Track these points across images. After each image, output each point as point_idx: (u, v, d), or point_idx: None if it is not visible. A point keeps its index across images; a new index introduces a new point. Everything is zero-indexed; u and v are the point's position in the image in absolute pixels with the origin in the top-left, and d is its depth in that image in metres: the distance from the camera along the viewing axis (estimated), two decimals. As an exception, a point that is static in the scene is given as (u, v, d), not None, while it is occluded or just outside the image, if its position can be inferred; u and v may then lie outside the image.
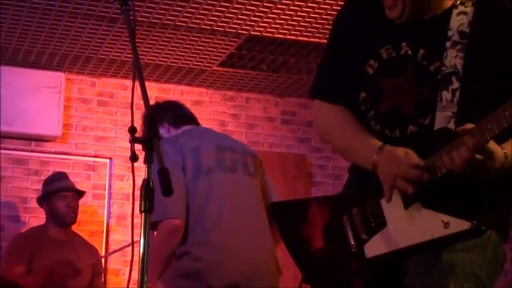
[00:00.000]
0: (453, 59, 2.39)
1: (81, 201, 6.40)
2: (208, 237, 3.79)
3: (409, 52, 2.44)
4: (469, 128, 2.16)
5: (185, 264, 3.78)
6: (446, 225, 2.29)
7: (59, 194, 5.89)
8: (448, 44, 2.40)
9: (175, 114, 4.25)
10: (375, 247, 2.43)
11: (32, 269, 5.66)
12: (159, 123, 4.14)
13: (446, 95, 2.37)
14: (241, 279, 3.74)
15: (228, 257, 3.74)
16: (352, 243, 2.47)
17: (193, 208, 3.83)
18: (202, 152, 3.96)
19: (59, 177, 6.10)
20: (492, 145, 2.18)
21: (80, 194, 6.07)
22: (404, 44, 2.45)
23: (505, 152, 2.24)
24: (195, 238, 3.81)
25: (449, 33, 2.41)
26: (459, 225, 2.27)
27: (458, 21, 2.42)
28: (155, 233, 3.80)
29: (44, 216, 5.99)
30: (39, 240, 5.84)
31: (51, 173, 6.29)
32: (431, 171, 2.29)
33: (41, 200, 6.01)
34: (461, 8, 2.43)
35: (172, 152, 3.89)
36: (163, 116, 4.21)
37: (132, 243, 2.54)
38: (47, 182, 6.04)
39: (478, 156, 2.16)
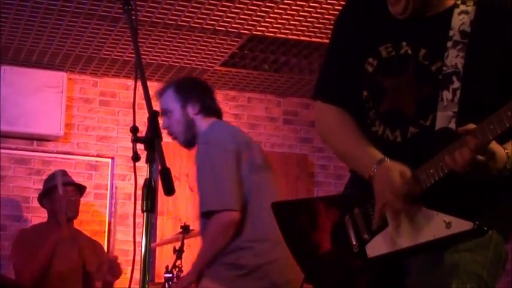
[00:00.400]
0: (454, 58, 2.39)
1: (83, 201, 6.40)
2: (268, 234, 3.75)
3: (410, 52, 2.44)
4: (471, 128, 2.16)
5: (246, 259, 3.73)
6: (448, 225, 2.29)
7: (61, 190, 5.91)
8: (449, 43, 2.40)
9: (210, 103, 4.13)
10: (376, 247, 2.43)
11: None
12: (190, 100, 4.06)
13: (447, 94, 2.37)
14: (293, 277, 3.72)
15: (284, 255, 3.69)
16: (354, 243, 2.47)
17: (252, 202, 3.80)
18: (252, 147, 3.94)
19: (59, 173, 6.12)
20: (494, 146, 2.18)
21: (81, 189, 6.08)
22: (404, 43, 2.45)
23: (507, 153, 2.24)
24: (256, 233, 3.78)
25: (451, 33, 2.41)
26: (461, 225, 2.27)
27: (460, 21, 2.41)
28: (212, 224, 3.74)
29: (46, 215, 6.01)
30: (42, 235, 5.86)
31: (53, 172, 6.30)
32: (419, 187, 2.32)
33: (42, 198, 6.02)
34: (462, 7, 2.42)
35: (231, 143, 3.84)
36: (199, 97, 4.09)
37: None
38: (47, 180, 6.06)
39: (480, 157, 2.16)
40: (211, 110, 4.07)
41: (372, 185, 2.40)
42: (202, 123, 4.02)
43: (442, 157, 2.26)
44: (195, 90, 4.09)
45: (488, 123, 2.13)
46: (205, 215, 3.76)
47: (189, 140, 4.09)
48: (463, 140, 2.18)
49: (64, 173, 6.18)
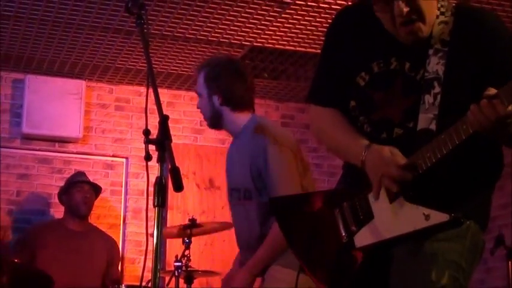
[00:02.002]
0: (435, 65, 2.39)
1: (100, 197, 6.41)
2: None
3: (398, 67, 2.43)
4: (494, 92, 2.11)
5: None
6: (427, 217, 2.28)
7: (77, 185, 5.95)
8: (430, 51, 2.40)
9: (237, 94, 3.71)
10: (363, 238, 2.42)
11: (45, 261, 5.63)
12: (216, 90, 3.70)
13: (428, 98, 2.37)
14: None
15: None
16: (343, 234, 2.46)
17: None
18: (300, 148, 3.73)
19: (78, 174, 6.18)
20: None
21: (96, 189, 6.11)
22: (393, 59, 2.44)
23: None
24: None
25: (432, 41, 2.41)
26: (439, 217, 2.27)
27: (440, 30, 2.41)
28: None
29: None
30: (56, 231, 5.87)
31: (75, 172, 6.32)
32: (414, 169, 2.29)
33: (61, 195, 6.06)
34: (442, 18, 2.42)
35: (294, 145, 3.63)
36: (224, 88, 3.70)
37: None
38: (70, 178, 6.10)
39: (510, 108, 2.11)
40: (239, 103, 3.71)
41: (365, 170, 2.38)
42: (233, 117, 3.72)
43: (429, 149, 2.25)
44: (221, 80, 3.69)
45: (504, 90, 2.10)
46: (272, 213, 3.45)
47: (214, 124, 3.81)
48: (465, 118, 2.16)
49: (83, 173, 6.22)
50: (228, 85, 3.69)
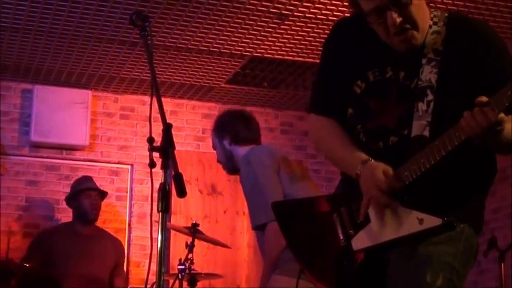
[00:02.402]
0: (428, 74, 2.38)
1: (106, 202, 6.41)
2: None
3: (393, 76, 2.43)
4: (485, 100, 2.10)
5: None
6: (421, 221, 2.28)
7: (85, 192, 5.94)
8: (424, 60, 2.40)
9: (242, 132, 3.98)
10: (360, 241, 2.42)
11: (58, 265, 5.63)
12: (224, 134, 3.97)
13: (422, 106, 2.36)
14: None
15: None
16: (341, 237, 2.46)
17: None
18: (289, 161, 3.83)
19: (85, 179, 6.17)
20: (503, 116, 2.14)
21: (103, 194, 6.12)
22: (389, 68, 2.44)
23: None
24: None
25: (425, 51, 2.40)
26: (432, 221, 2.27)
27: (433, 40, 2.41)
28: (266, 234, 3.57)
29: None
30: (65, 234, 5.87)
31: (79, 177, 6.32)
32: (400, 182, 2.30)
33: (69, 200, 6.06)
34: (434, 28, 2.42)
35: (269, 160, 3.74)
36: (230, 130, 3.97)
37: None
38: (75, 184, 6.10)
39: (501, 115, 2.11)
40: (243, 138, 3.95)
41: (359, 183, 2.38)
42: (240, 151, 3.91)
43: (423, 155, 2.25)
44: (227, 125, 3.98)
45: (497, 96, 2.10)
46: (259, 228, 3.61)
47: (231, 168, 4.01)
48: (458, 125, 2.16)
49: (90, 178, 6.21)
50: (233, 127, 3.95)
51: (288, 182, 3.67)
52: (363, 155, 2.41)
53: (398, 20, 2.31)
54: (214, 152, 4.11)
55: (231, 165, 3.97)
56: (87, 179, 6.21)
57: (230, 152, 3.94)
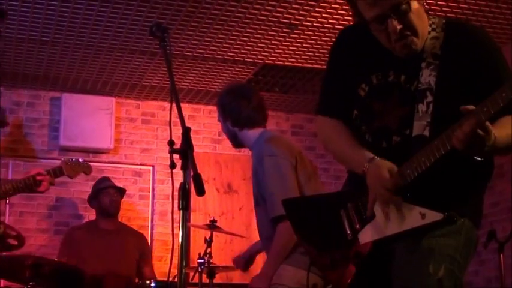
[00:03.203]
0: (428, 77, 2.37)
1: (129, 201, 6.43)
2: None
3: (395, 79, 2.42)
4: (471, 108, 2.09)
5: None
6: (423, 216, 2.27)
7: (104, 191, 5.98)
8: (423, 64, 2.39)
9: (244, 114, 3.74)
10: (366, 235, 2.41)
11: (85, 259, 5.65)
12: (227, 116, 3.75)
13: (422, 107, 2.35)
14: None
15: None
16: (348, 232, 2.44)
17: None
18: (303, 158, 3.72)
19: (103, 179, 6.21)
20: (489, 124, 2.12)
21: (121, 191, 6.15)
22: (391, 72, 2.43)
23: (494, 134, 2.15)
24: None
25: (424, 55, 2.39)
26: (434, 216, 2.26)
27: (431, 45, 2.40)
28: (283, 226, 3.43)
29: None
30: (91, 231, 5.89)
31: (98, 178, 6.33)
32: (403, 180, 2.29)
33: (91, 200, 6.09)
34: (433, 34, 2.41)
35: (291, 156, 3.61)
36: (233, 112, 3.74)
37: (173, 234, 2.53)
38: (94, 185, 6.13)
39: (479, 131, 2.09)
40: (246, 121, 3.73)
41: (365, 180, 2.38)
42: (247, 135, 3.74)
43: (423, 154, 2.25)
44: (229, 107, 3.75)
45: (482, 106, 2.08)
46: (275, 220, 3.48)
47: (236, 144, 3.86)
48: (461, 121, 2.13)
49: (107, 178, 6.25)
50: (234, 109, 3.73)
51: (304, 180, 3.61)
52: (368, 154, 2.40)
53: (399, 27, 2.30)
54: (230, 153, 4.06)
55: (235, 142, 3.85)
56: (105, 179, 6.25)
57: (234, 132, 3.78)
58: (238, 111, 3.73)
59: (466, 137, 2.10)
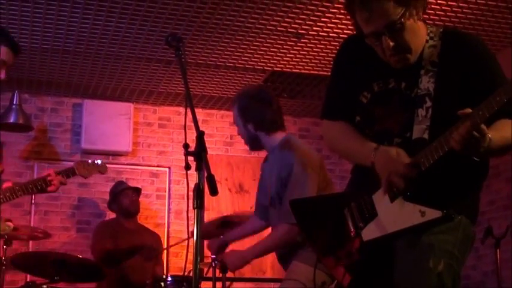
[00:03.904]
0: (426, 83, 2.36)
1: (147, 201, 6.45)
2: None
3: (395, 86, 2.42)
4: (468, 112, 2.09)
5: None
6: (423, 214, 2.26)
7: (122, 193, 5.99)
8: (422, 71, 2.38)
9: (267, 118, 3.60)
10: (369, 232, 2.39)
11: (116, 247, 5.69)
12: (249, 119, 3.61)
13: (421, 112, 2.35)
14: None
15: None
16: (352, 230, 2.43)
17: None
18: (323, 165, 3.61)
19: (120, 183, 6.23)
20: (484, 127, 2.11)
21: (138, 191, 6.16)
22: (392, 79, 2.43)
23: (489, 136, 2.15)
24: None
25: (423, 63, 2.38)
26: (433, 214, 2.25)
27: (430, 53, 2.39)
28: (284, 229, 3.40)
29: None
30: (116, 227, 5.91)
31: (115, 182, 6.34)
32: (417, 167, 2.25)
33: (110, 204, 6.10)
34: (431, 42, 2.40)
35: (317, 165, 3.51)
36: (255, 116, 3.61)
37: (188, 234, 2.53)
38: (112, 189, 6.14)
39: (475, 133, 2.08)
40: (269, 125, 3.60)
41: (375, 170, 2.34)
42: (270, 139, 3.63)
43: (423, 155, 2.23)
44: (252, 110, 3.61)
45: (478, 110, 2.08)
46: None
47: (254, 147, 3.73)
48: (458, 124, 2.12)
49: (123, 182, 6.28)
50: (258, 113, 3.60)
51: (322, 186, 3.52)
52: (373, 144, 2.38)
53: (392, 44, 2.29)
54: (241, 155, 4.00)
55: (254, 145, 3.70)
56: (121, 182, 6.27)
57: (256, 137, 3.64)
58: (262, 115, 3.60)
59: (463, 139, 2.10)
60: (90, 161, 4.61)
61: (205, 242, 4.20)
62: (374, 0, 2.25)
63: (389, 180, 2.30)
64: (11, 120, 6.27)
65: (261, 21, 5.24)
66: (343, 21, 5.24)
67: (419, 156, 2.27)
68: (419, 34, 2.38)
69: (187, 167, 2.45)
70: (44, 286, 4.60)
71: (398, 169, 2.27)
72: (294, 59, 5.98)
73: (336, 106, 2.58)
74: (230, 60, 5.98)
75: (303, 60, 6.00)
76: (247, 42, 5.61)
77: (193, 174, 2.42)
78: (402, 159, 2.28)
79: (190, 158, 2.44)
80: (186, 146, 2.47)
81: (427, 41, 2.39)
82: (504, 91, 2.03)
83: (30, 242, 6.19)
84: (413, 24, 2.32)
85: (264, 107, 3.61)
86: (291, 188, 3.45)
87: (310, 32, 5.46)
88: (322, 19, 5.23)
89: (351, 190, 2.58)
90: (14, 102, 6.31)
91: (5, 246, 4.81)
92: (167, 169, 7.06)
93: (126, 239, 5.84)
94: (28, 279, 5.62)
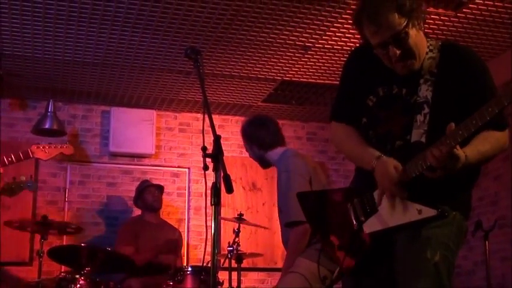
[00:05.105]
0: (425, 91, 2.37)
1: (169, 198, 6.45)
2: None
3: (398, 92, 2.42)
4: (452, 129, 2.11)
5: None
6: (419, 212, 2.26)
7: (146, 190, 6.01)
8: (421, 80, 2.38)
9: (268, 138, 3.84)
10: (371, 226, 2.39)
11: (138, 247, 5.69)
12: (253, 142, 3.84)
13: (419, 117, 2.35)
14: None
15: None
16: (355, 223, 2.44)
17: None
18: (318, 171, 3.72)
19: (144, 182, 6.26)
20: (457, 151, 2.14)
21: (160, 188, 6.17)
22: (395, 86, 2.43)
23: (466, 155, 2.19)
24: None
25: (422, 73, 2.39)
26: (428, 212, 2.25)
27: (429, 64, 2.39)
28: (294, 232, 3.48)
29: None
30: (140, 224, 5.91)
31: (140, 181, 6.36)
32: (407, 177, 2.28)
33: (136, 201, 6.11)
34: (430, 54, 2.41)
35: (305, 171, 3.61)
36: (257, 138, 3.84)
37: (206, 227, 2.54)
38: (138, 188, 6.16)
39: (449, 158, 2.12)
40: (268, 144, 3.81)
41: (373, 175, 2.36)
42: (271, 155, 3.81)
43: (423, 156, 2.24)
44: (252, 136, 3.86)
45: (458, 129, 2.09)
46: (289, 225, 3.52)
47: (263, 164, 3.93)
48: (437, 143, 2.14)
49: (148, 180, 6.29)
50: (257, 137, 3.83)
51: (318, 188, 3.57)
52: (376, 152, 2.39)
53: (398, 52, 2.30)
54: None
55: (263, 163, 3.92)
56: (145, 181, 6.30)
57: (260, 155, 3.86)
58: (262, 138, 3.82)
59: (438, 161, 2.14)
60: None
61: None
62: (380, 14, 2.26)
63: (388, 190, 2.33)
64: (47, 126, 6.32)
65: (271, 35, 5.24)
66: (346, 35, 5.23)
67: (410, 166, 2.28)
68: (422, 43, 2.38)
69: (206, 167, 2.46)
70: (77, 275, 4.62)
71: (391, 189, 2.31)
72: (301, 69, 5.98)
73: (344, 109, 2.58)
74: (244, 71, 5.99)
75: (310, 70, 5.99)
76: (259, 54, 5.61)
77: (210, 174, 2.43)
78: (396, 180, 2.29)
79: (208, 160, 2.45)
80: (204, 148, 2.48)
81: (426, 53, 2.40)
82: (495, 102, 2.03)
83: (64, 236, 6.22)
84: (417, 34, 2.33)
85: (262, 130, 3.84)
86: (283, 193, 3.61)
87: (316, 45, 5.45)
88: (327, 33, 5.22)
89: (354, 187, 2.58)
90: (49, 110, 6.37)
91: (42, 240, 4.85)
92: (187, 169, 7.06)
93: (150, 232, 5.85)
94: (63, 270, 5.63)
